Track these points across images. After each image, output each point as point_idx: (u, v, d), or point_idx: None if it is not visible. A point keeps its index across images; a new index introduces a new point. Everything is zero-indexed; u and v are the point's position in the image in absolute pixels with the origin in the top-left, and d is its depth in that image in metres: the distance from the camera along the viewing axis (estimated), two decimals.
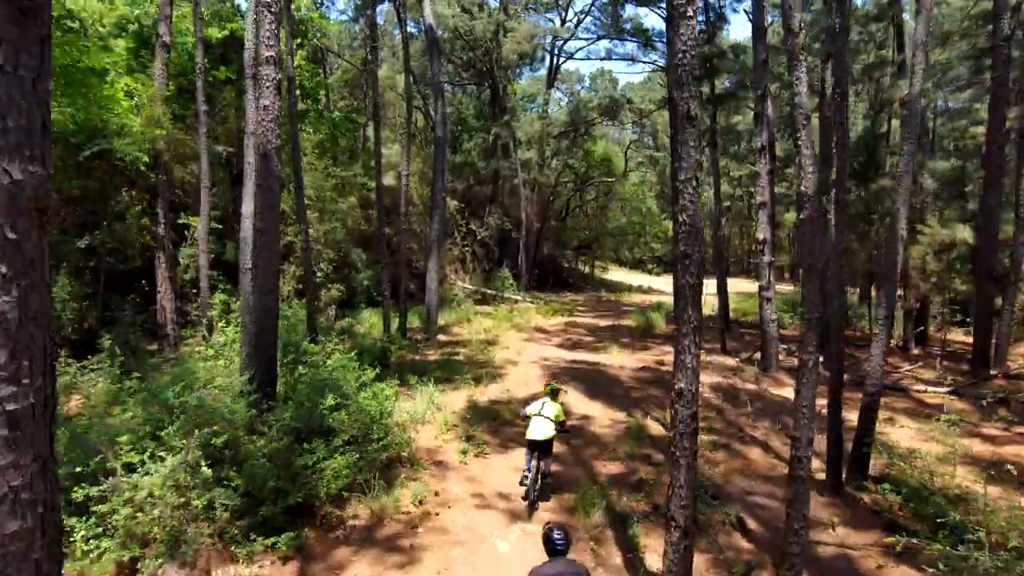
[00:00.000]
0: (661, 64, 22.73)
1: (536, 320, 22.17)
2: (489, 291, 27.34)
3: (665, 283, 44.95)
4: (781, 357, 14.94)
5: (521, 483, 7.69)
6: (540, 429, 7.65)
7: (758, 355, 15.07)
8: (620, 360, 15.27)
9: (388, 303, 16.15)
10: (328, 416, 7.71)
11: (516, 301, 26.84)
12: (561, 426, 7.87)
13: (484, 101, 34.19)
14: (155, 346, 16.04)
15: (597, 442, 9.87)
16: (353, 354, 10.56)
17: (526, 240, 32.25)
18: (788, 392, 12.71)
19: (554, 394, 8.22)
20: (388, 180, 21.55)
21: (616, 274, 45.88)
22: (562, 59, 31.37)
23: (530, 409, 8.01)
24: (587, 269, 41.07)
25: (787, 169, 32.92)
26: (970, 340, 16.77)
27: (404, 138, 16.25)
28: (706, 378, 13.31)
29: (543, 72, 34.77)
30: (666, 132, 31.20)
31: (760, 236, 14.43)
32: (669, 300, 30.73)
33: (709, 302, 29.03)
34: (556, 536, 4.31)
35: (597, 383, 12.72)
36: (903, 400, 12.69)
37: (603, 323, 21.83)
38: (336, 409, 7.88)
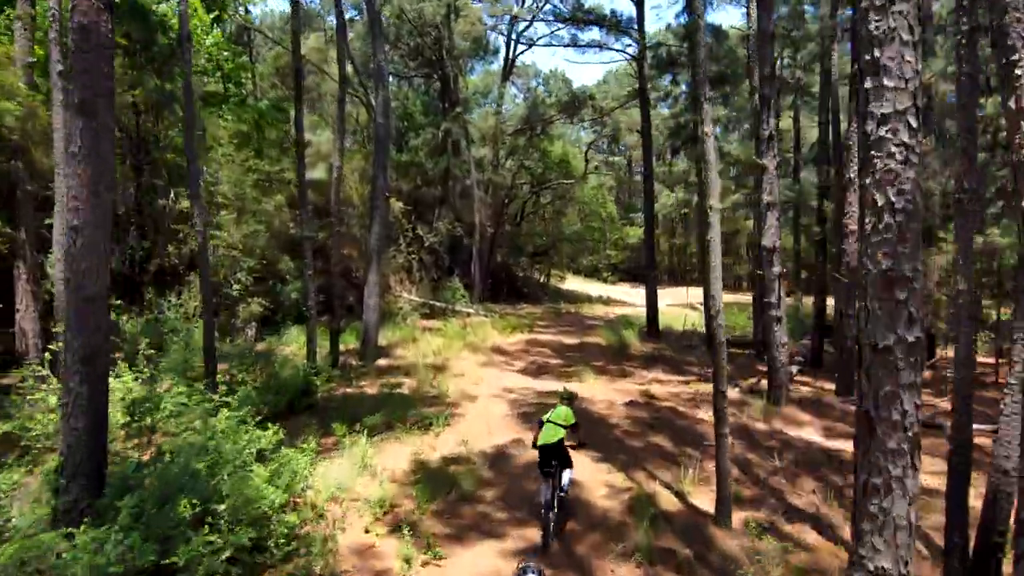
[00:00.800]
0: (633, 53, 20.48)
1: (493, 338, 19.41)
2: (438, 304, 24.40)
3: (623, 292, 43.03)
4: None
5: (535, 502, 7.26)
6: (550, 433, 7.09)
7: (762, 383, 12.75)
8: (599, 391, 12.68)
9: (314, 322, 13.04)
10: (181, 533, 4.73)
11: (468, 315, 24.01)
12: (573, 430, 7.26)
13: (433, 95, 31.31)
14: (11, 379, 12.46)
15: (595, 522, 7.19)
16: (247, 411, 7.47)
17: (479, 247, 29.49)
18: (810, 434, 10.37)
19: (570, 400, 7.83)
20: (318, 173, 18.39)
21: (572, 283, 43.62)
22: (520, 49, 28.85)
23: (544, 416, 7.47)
24: (543, 278, 38.63)
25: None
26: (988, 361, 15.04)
27: (337, 123, 13.27)
28: (709, 416, 10.86)
29: (497, 66, 32.21)
30: (630, 130, 29.10)
31: (767, 243, 12.13)
32: (634, 312, 28.49)
33: (680, 316, 27.10)
34: None
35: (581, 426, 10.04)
36: (937, 439, 10.52)
37: (569, 341, 19.26)
38: (201, 519, 4.91)
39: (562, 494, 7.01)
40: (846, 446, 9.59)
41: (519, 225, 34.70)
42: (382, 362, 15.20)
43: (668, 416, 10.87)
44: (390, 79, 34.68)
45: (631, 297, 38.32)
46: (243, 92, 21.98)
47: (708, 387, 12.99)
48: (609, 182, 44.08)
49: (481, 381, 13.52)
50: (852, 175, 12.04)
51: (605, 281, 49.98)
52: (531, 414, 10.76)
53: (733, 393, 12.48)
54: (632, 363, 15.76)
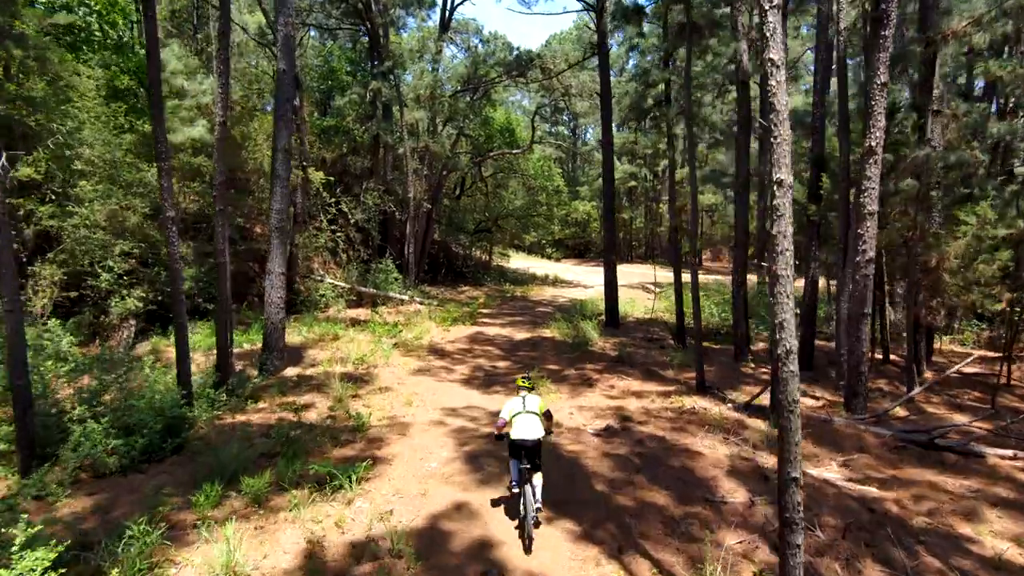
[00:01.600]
0: (590, 1, 17.64)
1: (430, 333, 16.61)
2: (367, 290, 21.30)
3: (568, 270, 40.80)
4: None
5: (511, 492, 6.37)
6: (531, 427, 6.21)
7: (762, 399, 10.50)
8: (562, 409, 10.16)
9: (185, 328, 9.73)
10: None
11: (403, 302, 21.07)
12: (547, 417, 6.64)
13: (361, 52, 27.61)
14: None
15: None
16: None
17: (415, 224, 26.41)
18: (835, 474, 8.16)
19: (529, 386, 6.91)
20: (197, 131, 14.78)
21: (517, 261, 41.08)
22: None
23: (509, 409, 6.51)
24: (486, 257, 35.86)
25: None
26: (976, 353, 13.38)
27: (220, 63, 9.89)
28: (706, 447, 8.50)
29: (434, 23, 28.67)
30: (580, 95, 26.42)
31: (780, 230, 9.81)
32: (587, 296, 26.17)
33: (632, 300, 24.97)
34: None
35: (546, 473, 7.43)
36: (990, 479, 8.56)
37: (519, 335, 16.68)
38: None
39: (536, 513, 6.07)
40: (887, 494, 7.42)
41: (459, 199, 31.68)
42: (290, 371, 12.18)
43: (656, 451, 8.44)
44: (311, 33, 30.64)
45: (579, 276, 36.13)
46: (119, 35, 17.88)
47: (693, 401, 10.71)
48: (555, 154, 41.48)
49: (414, 398, 10.76)
50: (874, 143, 9.80)
51: (550, 258, 47.72)
52: (481, 455, 8.11)
53: (722, 409, 10.20)
54: (596, 365, 13.32)
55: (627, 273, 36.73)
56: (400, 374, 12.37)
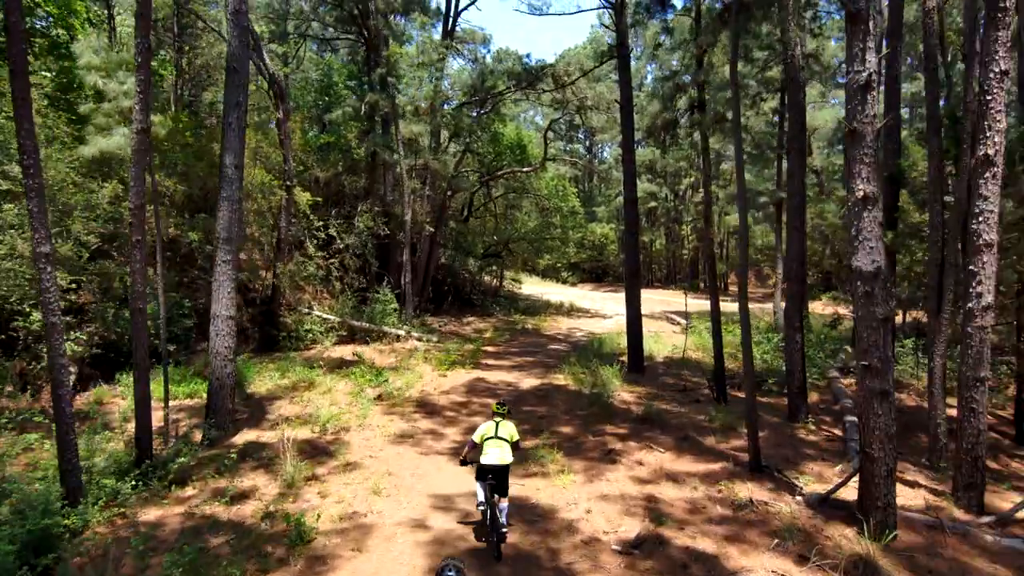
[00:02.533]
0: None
1: (422, 379, 14.27)
2: (360, 324, 19.05)
3: (584, 295, 38.34)
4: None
5: (479, 511, 6.77)
6: (501, 454, 6.60)
7: (844, 491, 7.92)
8: (578, 502, 7.71)
9: (146, 378, 7.45)
10: None
11: (398, 338, 18.77)
12: (515, 447, 6.86)
13: (360, 65, 25.73)
14: None
15: None
16: None
17: (417, 248, 24.27)
18: None
19: (502, 410, 7.17)
20: (115, 139, 12.57)
21: (529, 286, 38.76)
22: (464, 1, 23.46)
23: (481, 432, 6.85)
24: (496, 282, 33.58)
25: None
26: None
27: (139, 53, 7.73)
28: (776, 570, 6.00)
29: (437, 35, 26.75)
30: (596, 107, 24.21)
31: (864, 264, 7.32)
32: (605, 327, 23.70)
33: (656, 334, 22.51)
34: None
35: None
36: None
37: (527, 383, 14.28)
38: None
39: (504, 531, 6.47)
40: None
41: (466, 222, 29.49)
42: (242, 437, 9.89)
43: None
44: (312, 47, 28.89)
45: (596, 303, 33.64)
46: (69, 36, 15.94)
47: (748, 489, 8.18)
48: (569, 172, 39.31)
49: (387, 481, 8.38)
50: (991, 151, 7.35)
51: (565, 282, 45.32)
52: None
53: (790, 503, 7.65)
54: (618, 428, 10.85)
55: (649, 300, 34.17)
56: (376, 442, 10.00)
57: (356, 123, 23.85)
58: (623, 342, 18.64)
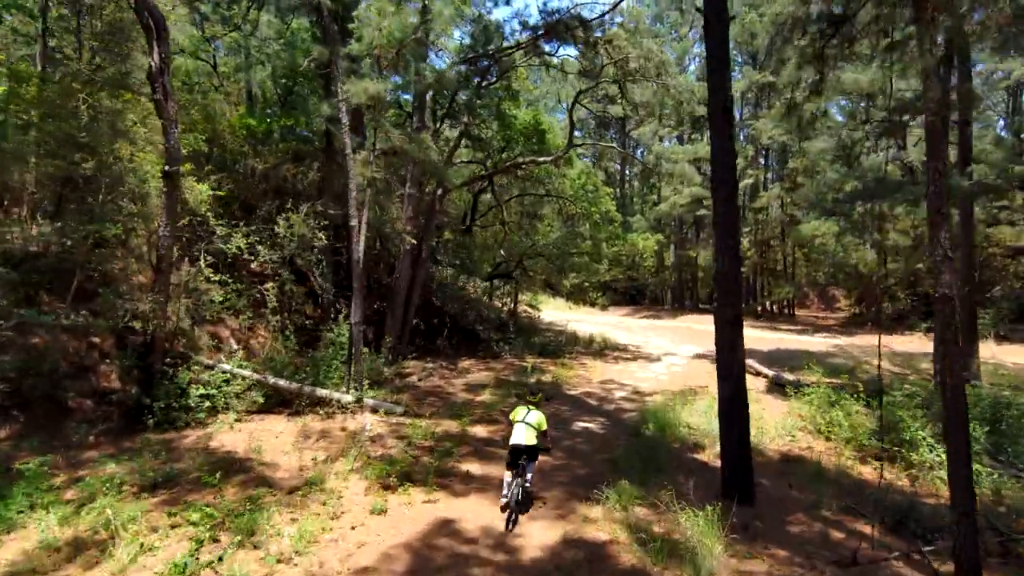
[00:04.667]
0: None
1: (338, 522, 7.45)
2: (287, 385, 12.43)
3: (619, 324, 31.27)
4: None
5: (503, 498, 7.52)
6: (525, 434, 7.52)
7: None
8: None
9: None
10: None
11: (345, 408, 12.10)
12: (543, 437, 7.73)
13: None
14: None
15: None
16: None
17: (396, 267, 17.80)
18: None
19: (538, 404, 7.94)
20: None
21: (550, 310, 31.87)
22: None
23: (513, 414, 7.85)
24: (510, 304, 26.85)
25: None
26: None
27: None
28: None
29: None
30: (645, 76, 17.39)
31: None
32: (654, 377, 16.16)
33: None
34: None
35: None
36: None
37: (536, 540, 7.30)
38: None
39: (527, 486, 7.62)
40: None
41: (469, 232, 22.81)
42: None
43: None
44: (268, 11, 22.67)
45: (636, 335, 26.58)
46: None
47: None
48: (599, 174, 32.43)
49: None
50: None
51: (595, 305, 38.28)
52: None
53: None
54: None
55: (698, 333, 27.01)
56: None
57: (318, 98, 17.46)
58: (693, 418, 11.71)
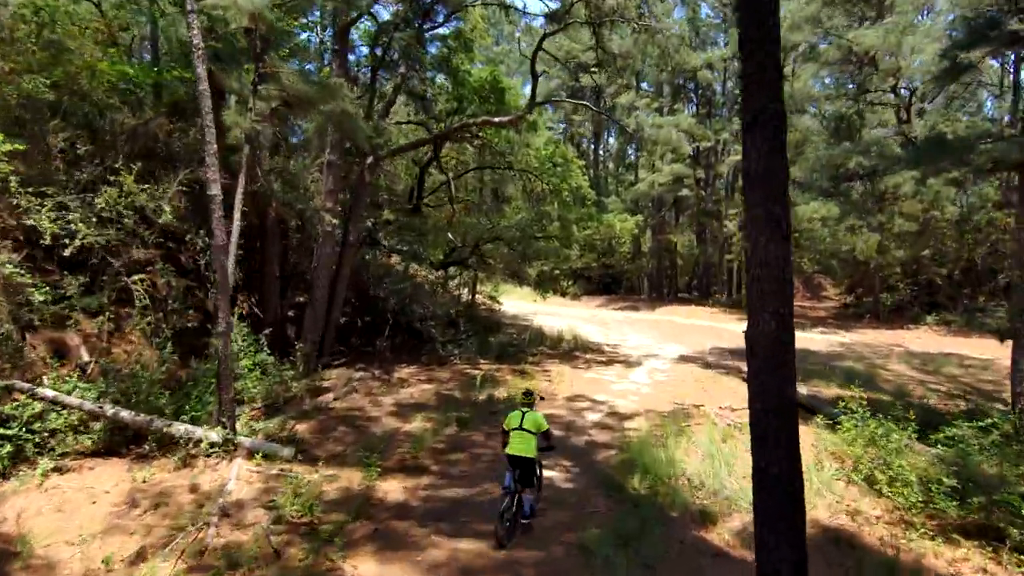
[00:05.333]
0: None
1: None
2: (134, 417, 8.89)
3: (592, 318, 28.23)
4: None
5: (501, 501, 6.60)
6: (522, 445, 6.66)
7: None
8: None
9: None
10: None
11: (209, 448, 8.63)
12: (545, 437, 6.91)
13: None
14: None
15: None
16: None
17: (316, 252, 14.33)
18: None
19: (528, 396, 7.22)
20: None
21: (513, 300, 28.63)
22: None
23: (507, 421, 6.95)
24: (466, 296, 23.51)
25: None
26: None
27: None
28: None
29: None
30: (623, 17, 13.99)
31: None
32: (635, 389, 13.10)
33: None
34: None
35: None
36: None
37: None
38: None
39: (526, 511, 6.73)
40: None
41: (417, 212, 19.26)
42: None
43: None
44: None
45: (610, 329, 23.50)
46: None
47: None
48: (570, 148, 28.99)
49: None
50: None
51: (565, 294, 35.07)
52: None
53: None
54: None
55: (682, 329, 23.91)
56: None
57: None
58: (693, 461, 8.60)
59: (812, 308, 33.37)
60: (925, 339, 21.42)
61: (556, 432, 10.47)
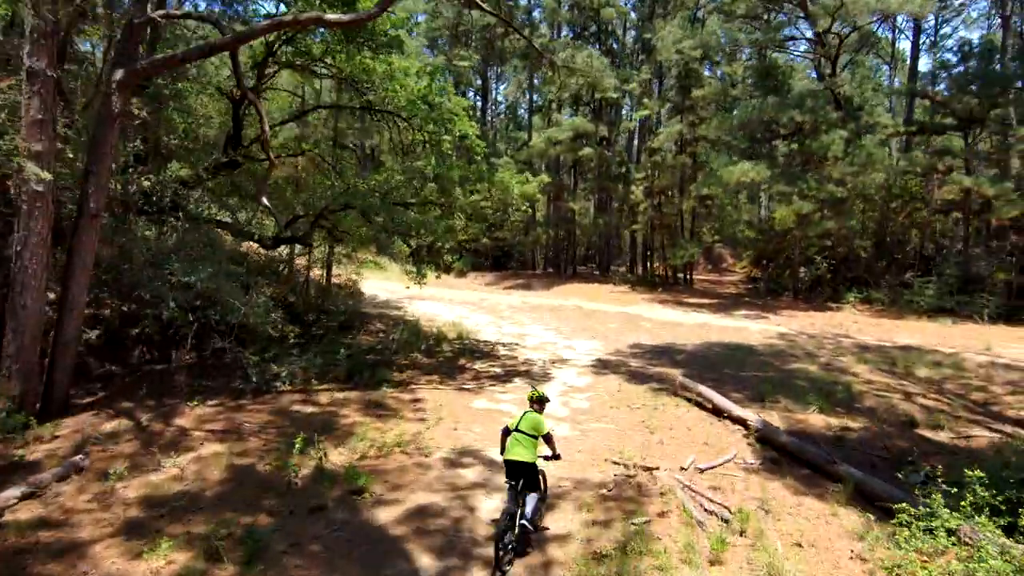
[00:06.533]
0: None
1: None
2: None
3: (482, 303, 23.80)
4: None
5: (500, 522, 5.46)
6: (519, 449, 5.74)
7: None
8: None
9: None
10: None
11: None
12: (546, 440, 5.91)
13: None
14: None
15: None
16: None
17: (14, 240, 8.38)
18: None
19: (539, 403, 6.15)
20: None
21: (381, 282, 23.56)
22: None
23: (508, 423, 6.06)
24: (310, 267, 18.05)
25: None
26: None
27: None
28: None
29: None
30: None
31: None
32: (554, 433, 9.18)
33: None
34: None
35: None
36: None
37: None
38: None
39: (526, 526, 5.62)
40: None
41: (232, 168, 13.50)
42: None
43: None
44: None
45: (504, 319, 19.18)
46: None
47: None
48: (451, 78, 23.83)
49: None
50: None
51: (449, 271, 30.13)
52: None
53: None
54: None
55: (589, 316, 19.85)
56: None
57: None
58: None
59: (719, 283, 30.85)
60: (861, 323, 18.87)
61: (418, 561, 5.72)
